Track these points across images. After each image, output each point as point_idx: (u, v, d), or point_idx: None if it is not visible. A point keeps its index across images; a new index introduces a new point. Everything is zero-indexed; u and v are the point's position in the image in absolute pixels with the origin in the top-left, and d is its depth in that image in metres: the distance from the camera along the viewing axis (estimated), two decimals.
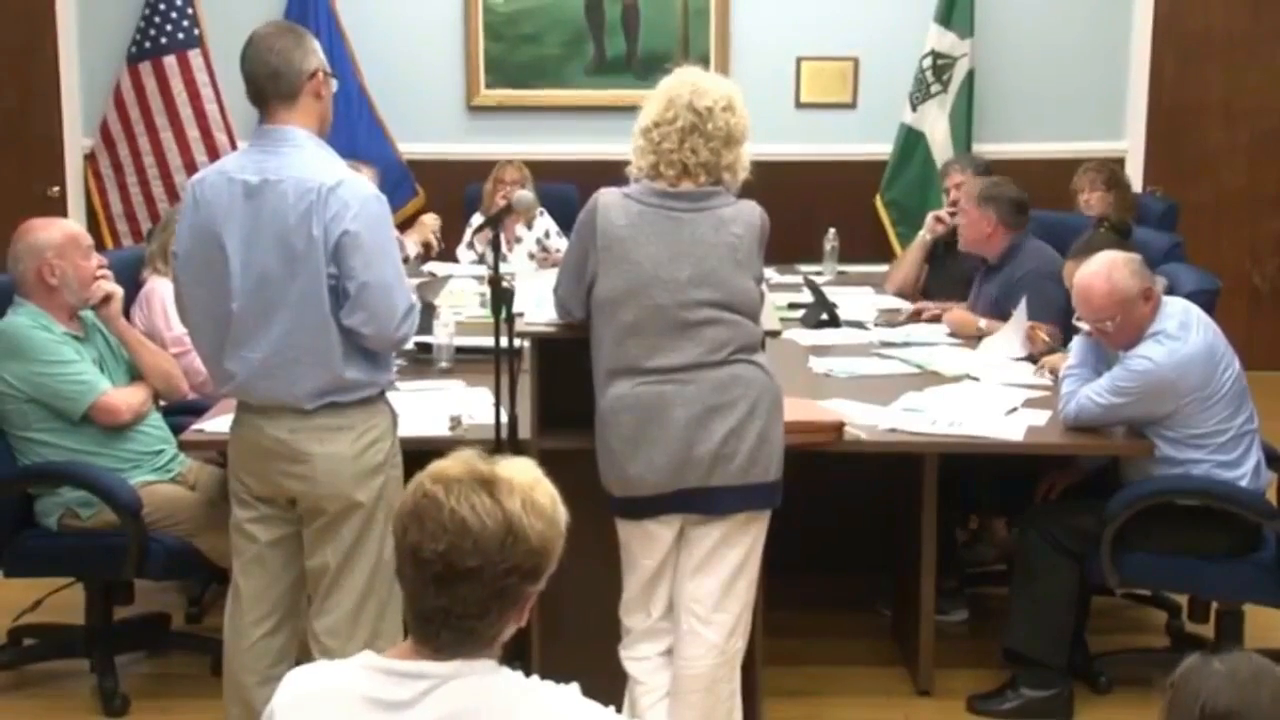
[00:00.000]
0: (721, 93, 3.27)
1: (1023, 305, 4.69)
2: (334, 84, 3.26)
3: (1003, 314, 4.89)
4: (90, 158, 6.88)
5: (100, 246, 5.14)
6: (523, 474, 1.87)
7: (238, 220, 3.12)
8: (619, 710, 1.98)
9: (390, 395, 3.36)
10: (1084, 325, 3.95)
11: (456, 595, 1.80)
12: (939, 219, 5.69)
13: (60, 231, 4.08)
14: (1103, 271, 3.87)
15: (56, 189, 6.89)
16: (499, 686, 1.84)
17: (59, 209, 6.69)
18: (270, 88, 3.16)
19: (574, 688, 1.89)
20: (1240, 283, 7.13)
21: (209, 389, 4.41)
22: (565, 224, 5.84)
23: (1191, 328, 3.87)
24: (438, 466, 1.86)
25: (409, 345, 3.89)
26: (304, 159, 3.13)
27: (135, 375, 4.19)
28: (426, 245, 5.91)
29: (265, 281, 3.11)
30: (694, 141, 3.22)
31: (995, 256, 5.11)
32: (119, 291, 4.16)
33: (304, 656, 3.40)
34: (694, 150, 3.22)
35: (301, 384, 3.15)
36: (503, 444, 3.39)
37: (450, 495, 1.80)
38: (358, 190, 3.12)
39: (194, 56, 6.71)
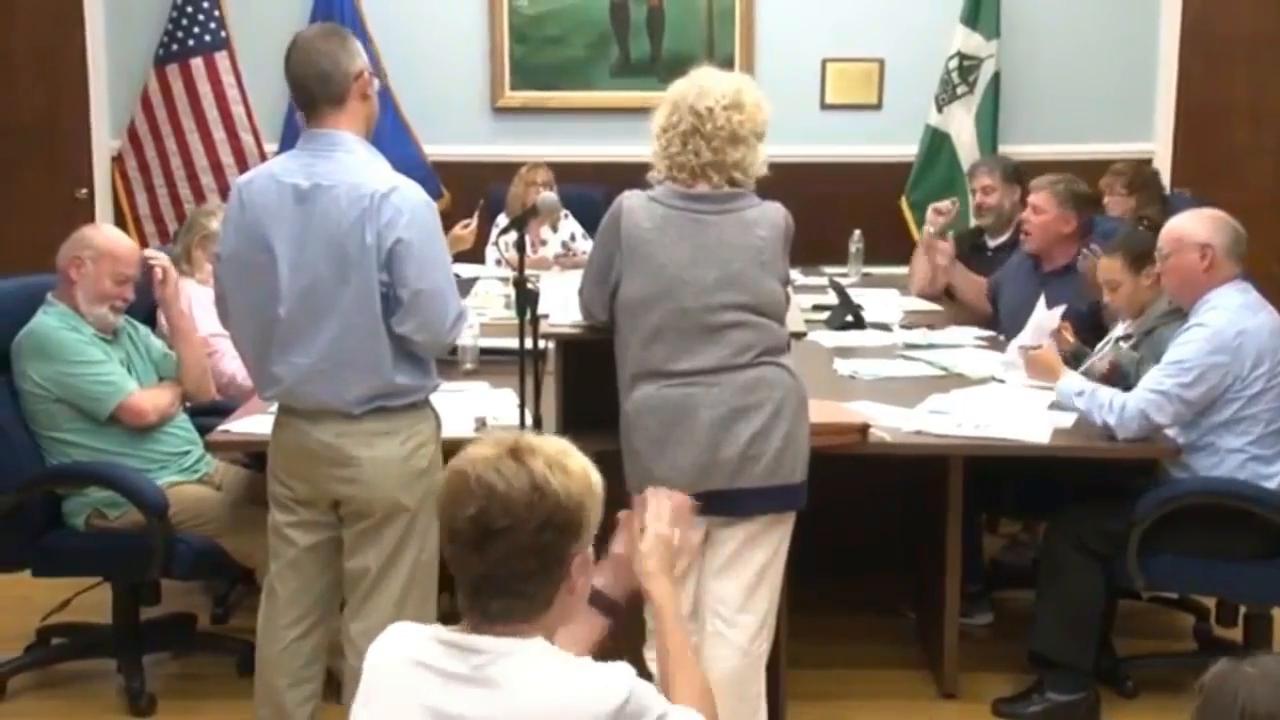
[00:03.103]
0: (724, 90, 3.23)
1: (1041, 303, 4.46)
2: (377, 83, 3.24)
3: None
4: (118, 159, 6.90)
5: None
6: (552, 443, 1.93)
7: (287, 224, 3.09)
8: None
9: None
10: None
11: (494, 557, 1.85)
12: (938, 210, 5.64)
13: (109, 243, 4.10)
14: (1200, 212, 4.08)
15: (85, 190, 6.92)
16: (547, 665, 1.87)
17: (87, 210, 6.72)
18: (318, 90, 3.14)
19: (623, 665, 1.91)
20: (1268, 285, 7.03)
21: (231, 391, 4.44)
22: (589, 227, 5.84)
23: (1257, 311, 3.97)
24: (469, 447, 1.93)
25: None
26: (355, 163, 3.11)
27: (162, 377, 4.21)
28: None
29: (315, 287, 3.09)
30: (695, 144, 3.21)
31: (1068, 258, 4.94)
32: (174, 274, 4.26)
33: (334, 658, 3.41)
34: (696, 152, 3.20)
35: (351, 389, 3.13)
36: None
37: (476, 465, 1.88)
38: (410, 197, 3.09)
39: (221, 59, 6.73)
